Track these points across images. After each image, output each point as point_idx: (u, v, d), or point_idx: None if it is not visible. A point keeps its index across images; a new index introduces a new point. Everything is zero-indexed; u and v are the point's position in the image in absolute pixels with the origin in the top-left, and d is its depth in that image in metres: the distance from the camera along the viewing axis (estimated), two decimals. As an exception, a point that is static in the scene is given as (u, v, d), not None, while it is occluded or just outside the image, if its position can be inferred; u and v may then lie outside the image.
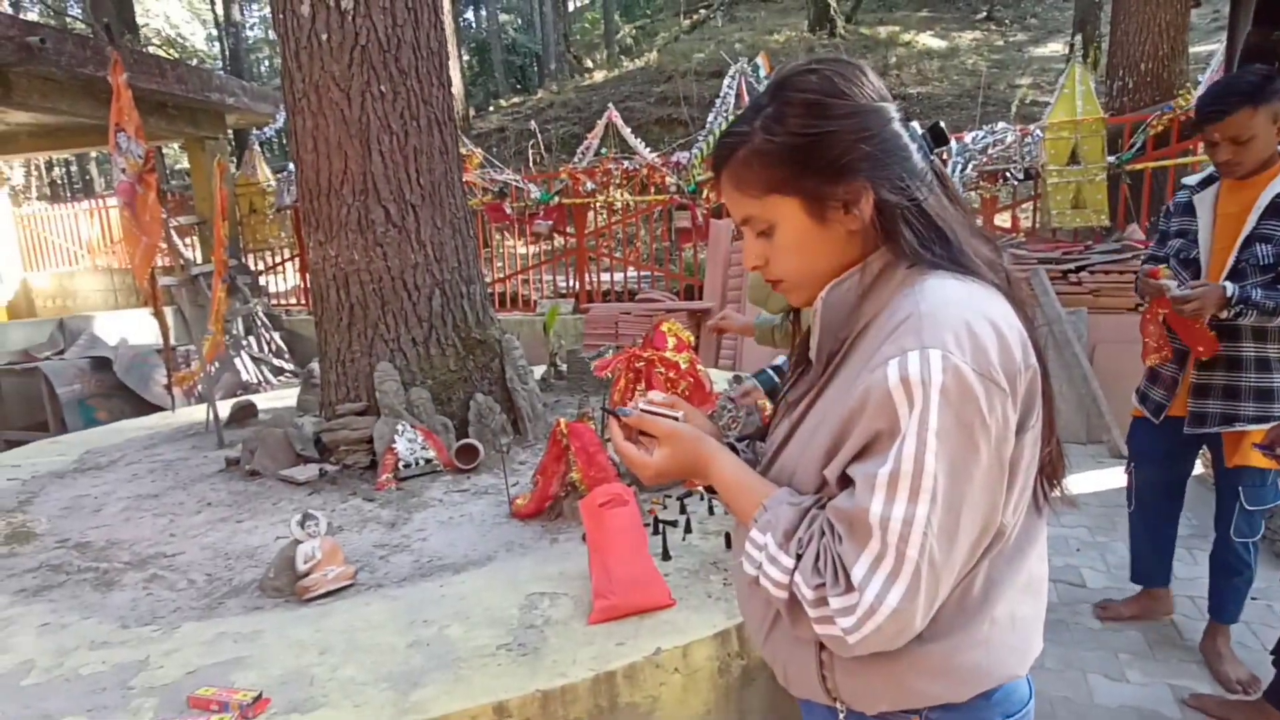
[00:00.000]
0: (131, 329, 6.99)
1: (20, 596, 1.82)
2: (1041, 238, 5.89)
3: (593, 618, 1.49)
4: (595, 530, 1.57)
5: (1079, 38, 6.87)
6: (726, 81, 6.59)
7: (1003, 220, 6.58)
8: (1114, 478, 3.88)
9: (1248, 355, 2.08)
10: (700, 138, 6.48)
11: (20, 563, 2.04)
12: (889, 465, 0.72)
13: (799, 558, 0.78)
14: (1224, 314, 1.99)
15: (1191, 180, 2.28)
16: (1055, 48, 13.66)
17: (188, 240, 8.60)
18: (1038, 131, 5.58)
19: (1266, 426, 2.07)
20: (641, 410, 0.94)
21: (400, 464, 2.53)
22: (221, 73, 11.47)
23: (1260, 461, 2.11)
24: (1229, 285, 1.98)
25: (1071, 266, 4.89)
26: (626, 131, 6.83)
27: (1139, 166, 5.42)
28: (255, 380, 6.74)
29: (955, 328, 0.73)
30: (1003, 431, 0.74)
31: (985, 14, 16.14)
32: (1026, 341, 0.78)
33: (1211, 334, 2.08)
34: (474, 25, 24.76)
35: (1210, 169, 2.18)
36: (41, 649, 1.54)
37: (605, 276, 7.40)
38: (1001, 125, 5.81)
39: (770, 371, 2.21)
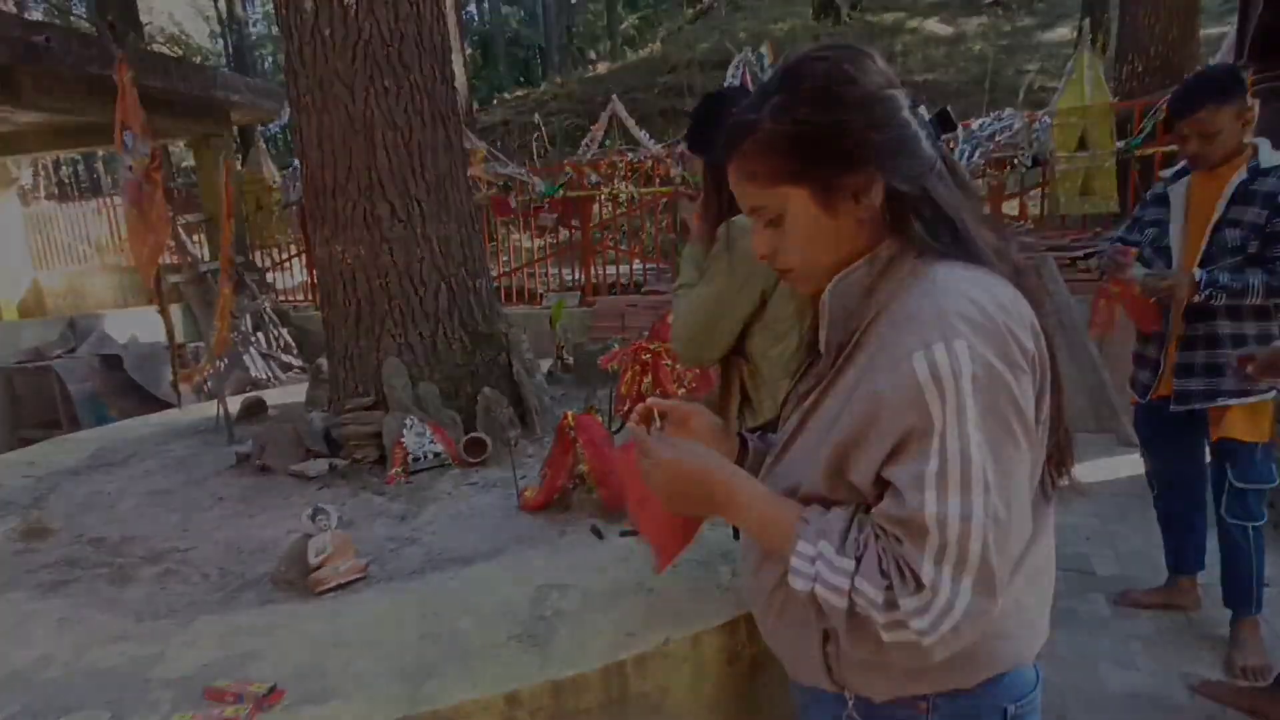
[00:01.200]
0: (141, 327, 7.04)
1: (38, 592, 1.85)
2: (1050, 225, 5.85)
3: (660, 566, 1.46)
4: (636, 484, 1.52)
5: (1087, 22, 6.77)
6: (731, 71, 6.56)
7: (1011, 207, 6.52)
8: (1123, 466, 3.86)
9: (1224, 333, 2.19)
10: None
11: (37, 559, 2.06)
12: (934, 462, 0.71)
13: (858, 561, 0.75)
14: (1197, 298, 2.12)
15: (1167, 174, 2.41)
16: (1063, 32, 13.49)
17: (195, 238, 8.64)
18: (1046, 117, 5.53)
19: (1248, 400, 2.15)
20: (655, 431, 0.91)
21: (409, 458, 2.55)
22: (226, 70, 11.49)
23: (1243, 434, 2.18)
24: (1198, 272, 2.12)
25: (1080, 253, 4.86)
26: (630, 123, 6.80)
27: (1149, 151, 5.35)
28: (264, 376, 6.77)
29: (973, 317, 0.73)
30: (1031, 413, 0.75)
31: (992, -1, 15.96)
32: (1037, 329, 0.78)
33: (1156, 313, 2.28)
34: (476, 18, 24.70)
35: (1184, 163, 2.29)
36: (60, 643, 1.56)
37: (611, 269, 7.39)
38: (1009, 111, 5.76)
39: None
